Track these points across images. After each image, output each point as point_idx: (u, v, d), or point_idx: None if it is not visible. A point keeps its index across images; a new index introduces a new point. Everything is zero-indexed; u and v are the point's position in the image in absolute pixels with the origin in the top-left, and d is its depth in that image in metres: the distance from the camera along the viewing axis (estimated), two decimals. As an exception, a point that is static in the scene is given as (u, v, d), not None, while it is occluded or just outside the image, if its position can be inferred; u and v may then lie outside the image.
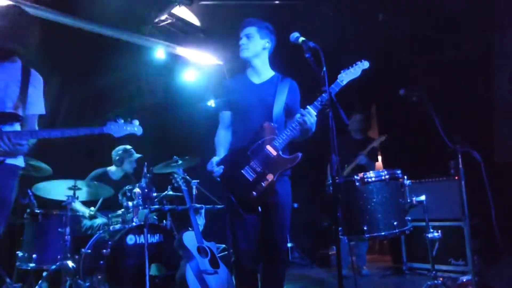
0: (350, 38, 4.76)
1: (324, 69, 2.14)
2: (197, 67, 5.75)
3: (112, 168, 4.34)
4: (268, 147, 2.35)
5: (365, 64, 2.53)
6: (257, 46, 2.54)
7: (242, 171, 2.34)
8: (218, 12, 4.61)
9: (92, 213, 3.91)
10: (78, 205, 3.92)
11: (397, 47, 4.94)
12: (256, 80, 2.59)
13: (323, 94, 2.28)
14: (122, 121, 2.43)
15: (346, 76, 2.45)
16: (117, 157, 4.29)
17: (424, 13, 4.36)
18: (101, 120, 4.83)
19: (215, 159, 2.46)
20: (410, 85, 3.44)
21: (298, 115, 2.34)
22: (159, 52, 5.20)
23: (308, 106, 2.33)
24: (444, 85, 4.81)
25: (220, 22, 4.78)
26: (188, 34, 5.17)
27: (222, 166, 2.39)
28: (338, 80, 2.43)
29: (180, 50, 5.42)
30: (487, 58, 4.69)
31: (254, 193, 2.30)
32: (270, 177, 2.31)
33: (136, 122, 2.48)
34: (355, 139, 4.65)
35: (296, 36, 2.31)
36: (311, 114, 2.30)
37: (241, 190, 2.33)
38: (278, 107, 2.46)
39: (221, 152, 2.54)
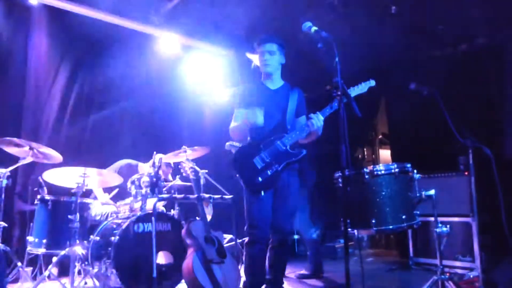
0: (360, 31, 4.71)
1: (337, 59, 2.13)
2: (207, 57, 5.74)
3: (144, 166, 4.28)
4: (278, 142, 2.71)
5: (372, 83, 2.88)
6: (277, 62, 2.89)
7: (253, 159, 2.70)
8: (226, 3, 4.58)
9: (104, 200, 3.95)
10: (99, 189, 3.98)
11: (408, 40, 4.88)
12: (271, 86, 2.95)
13: (333, 103, 2.61)
14: None
15: (353, 92, 2.77)
16: (157, 163, 4.02)
17: (436, 6, 4.30)
18: (109, 108, 4.90)
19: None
20: (420, 79, 3.40)
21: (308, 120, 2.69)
22: (169, 42, 5.20)
23: (317, 112, 2.67)
24: (455, 79, 4.75)
25: (229, 13, 4.75)
26: (198, 24, 5.15)
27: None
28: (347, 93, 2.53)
29: (190, 40, 5.42)
30: (499, 52, 4.62)
31: (260, 178, 2.67)
32: (276, 167, 2.69)
33: None
34: None
35: (309, 26, 2.30)
36: (319, 119, 2.65)
37: (249, 175, 2.70)
38: (291, 112, 2.85)
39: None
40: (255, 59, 3.01)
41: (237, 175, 2.72)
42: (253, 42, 2.96)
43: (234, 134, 2.93)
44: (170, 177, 4.23)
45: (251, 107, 2.81)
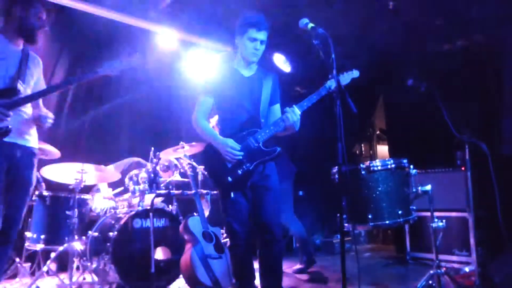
0: (358, 26, 4.70)
1: (333, 56, 2.14)
2: (205, 53, 5.73)
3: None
4: (251, 139, 2.48)
5: (355, 74, 2.64)
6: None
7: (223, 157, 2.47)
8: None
9: (106, 194, 3.96)
10: (103, 184, 4.00)
11: (406, 36, 4.88)
12: (245, 73, 2.66)
13: (312, 95, 2.45)
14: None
15: (333, 84, 2.40)
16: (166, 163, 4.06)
17: (435, 2, 4.29)
18: (107, 104, 4.89)
19: (233, 143, 2.46)
20: (418, 75, 3.40)
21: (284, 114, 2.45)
22: (167, 38, 5.18)
23: (294, 105, 2.45)
24: (453, 75, 4.75)
25: (227, 8, 4.72)
26: (195, 20, 5.13)
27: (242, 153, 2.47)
28: (326, 85, 2.47)
29: (189, 36, 5.40)
30: (497, 48, 4.62)
31: (230, 178, 2.45)
32: (247, 166, 2.46)
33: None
34: None
35: (306, 23, 2.30)
36: (294, 113, 2.42)
37: (219, 174, 2.49)
38: (264, 101, 2.58)
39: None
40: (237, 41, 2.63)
41: (206, 174, 2.57)
42: (242, 21, 2.56)
43: (197, 130, 2.67)
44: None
45: (221, 96, 2.59)
